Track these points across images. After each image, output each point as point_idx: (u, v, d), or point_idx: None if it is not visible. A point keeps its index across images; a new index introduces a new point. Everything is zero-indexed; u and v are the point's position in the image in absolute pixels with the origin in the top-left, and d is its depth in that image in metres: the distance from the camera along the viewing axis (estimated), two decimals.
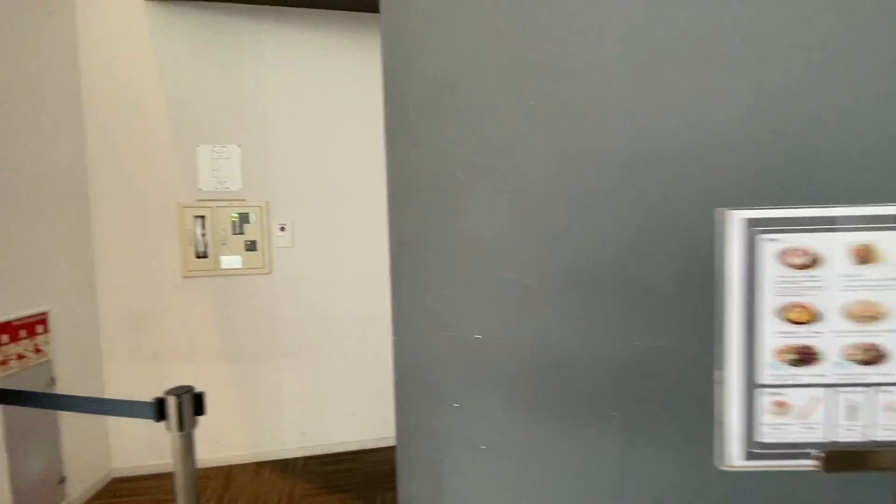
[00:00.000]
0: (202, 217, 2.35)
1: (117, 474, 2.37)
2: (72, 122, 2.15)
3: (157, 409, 1.13)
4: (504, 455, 1.19)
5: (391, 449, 2.56)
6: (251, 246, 2.40)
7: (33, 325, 1.90)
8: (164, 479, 2.33)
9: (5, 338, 1.77)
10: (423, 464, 1.39)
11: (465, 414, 1.25)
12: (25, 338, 1.86)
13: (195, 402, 1.16)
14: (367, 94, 2.47)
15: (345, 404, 2.55)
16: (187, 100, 2.32)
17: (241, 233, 2.39)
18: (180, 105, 2.31)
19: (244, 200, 2.39)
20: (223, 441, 2.44)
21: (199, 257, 2.36)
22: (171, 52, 2.29)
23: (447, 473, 1.31)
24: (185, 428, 1.14)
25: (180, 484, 1.16)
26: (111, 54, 2.25)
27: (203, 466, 2.42)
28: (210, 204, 2.36)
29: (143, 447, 2.39)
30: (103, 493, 2.24)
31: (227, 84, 2.35)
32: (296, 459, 2.48)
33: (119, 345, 2.34)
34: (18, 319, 1.83)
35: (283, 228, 2.43)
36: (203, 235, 2.35)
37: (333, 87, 2.44)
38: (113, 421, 2.35)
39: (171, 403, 1.13)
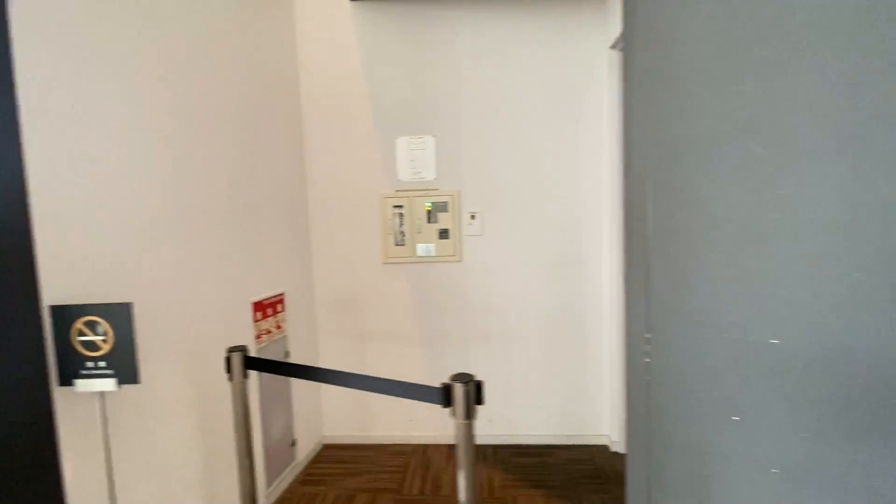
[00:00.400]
0: (400, 206, 2.45)
1: (326, 441, 2.62)
2: (294, 130, 2.38)
3: (444, 395, 1.14)
4: (810, 484, 0.97)
5: (583, 448, 2.44)
6: (444, 234, 2.44)
7: (275, 305, 2.15)
8: (366, 449, 2.51)
9: (259, 314, 2.01)
10: (681, 479, 1.22)
11: (748, 430, 1.04)
12: (271, 315, 2.11)
13: (476, 391, 1.14)
14: (562, 80, 2.32)
15: (531, 396, 2.49)
16: (388, 94, 2.41)
17: (435, 221, 2.44)
18: (382, 99, 2.42)
19: (437, 190, 2.43)
20: (417, 420, 2.55)
21: (397, 245, 2.46)
22: (374, 49, 2.40)
23: (718, 495, 1.12)
24: (470, 416, 1.13)
25: (462, 466, 1.15)
26: (323, 57, 2.43)
27: (399, 443, 2.56)
28: (407, 194, 2.44)
29: (348, 418, 2.60)
30: (318, 457, 2.48)
31: (423, 76, 2.39)
32: (485, 447, 2.49)
33: (329, 324, 2.56)
34: (267, 299, 2.07)
35: (473, 217, 2.42)
36: (401, 224, 2.45)
37: (525, 75, 2.34)
38: (325, 393, 2.59)
39: (459, 391, 1.13)
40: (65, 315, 1.05)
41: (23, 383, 1.05)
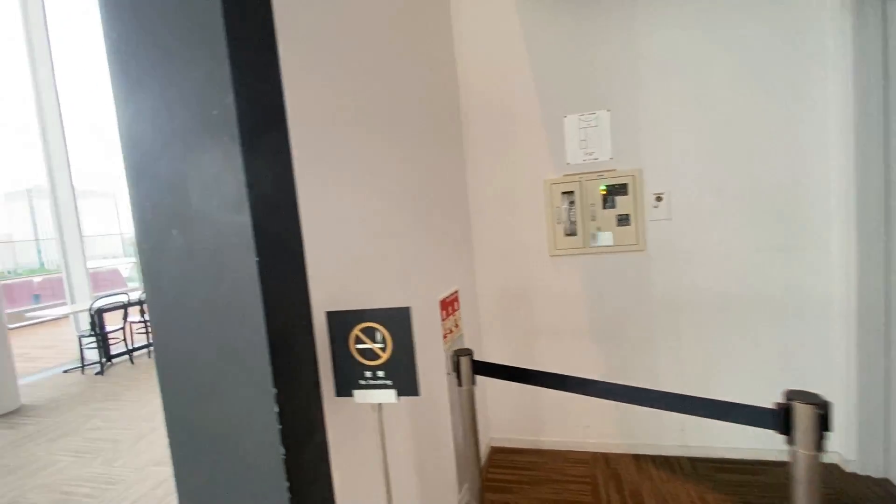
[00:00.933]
0: (570, 192, 2.23)
1: (494, 444, 2.49)
2: (454, 118, 2.24)
3: (781, 419, 0.91)
4: None
5: None
6: (623, 220, 2.17)
7: (453, 303, 2.04)
8: (538, 455, 2.35)
9: (443, 313, 1.91)
10: None
11: None
12: (451, 314, 2.00)
13: (823, 415, 0.89)
14: (770, 25, 1.94)
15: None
16: (554, 71, 2.20)
17: (612, 206, 2.18)
18: (547, 78, 2.21)
19: (614, 171, 2.17)
20: (593, 425, 2.33)
21: (567, 235, 2.25)
22: (537, 24, 2.19)
23: None
24: (820, 446, 0.89)
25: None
26: (480, 33, 2.27)
27: (574, 449, 2.36)
28: (578, 177, 2.21)
29: (515, 421, 2.45)
30: (491, 462, 2.36)
31: (594, 48, 2.13)
32: (677, 459, 2.20)
33: (493, 321, 2.42)
34: (447, 297, 1.97)
35: (658, 199, 2.13)
36: (571, 212, 2.23)
37: (719, 22, 1.99)
38: (490, 393, 2.47)
39: (804, 414, 0.88)
40: (342, 321, 0.98)
41: (303, 394, 0.98)
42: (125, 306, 5.23)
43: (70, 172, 5.50)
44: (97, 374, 4.92)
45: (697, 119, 2.06)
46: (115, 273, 12.47)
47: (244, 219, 0.88)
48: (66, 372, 5.12)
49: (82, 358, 5.11)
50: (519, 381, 1.26)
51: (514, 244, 2.35)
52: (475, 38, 2.28)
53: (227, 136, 0.87)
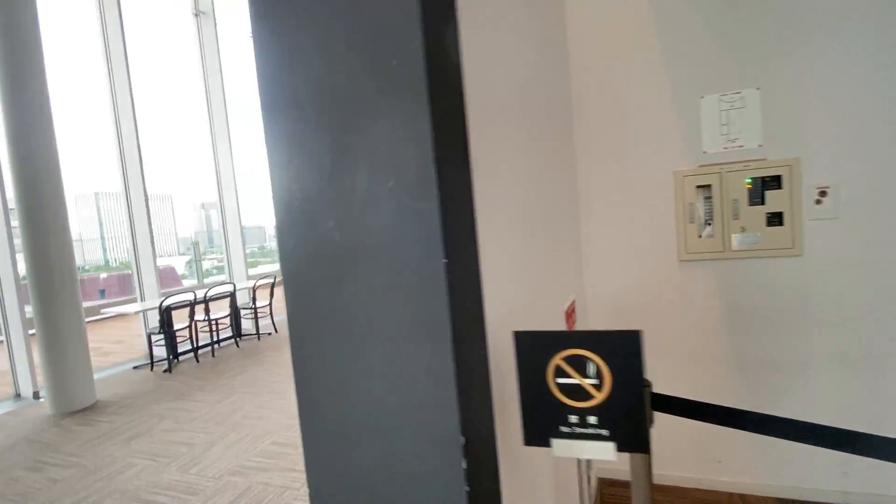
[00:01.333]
0: (707, 186, 1.90)
1: (600, 475, 2.19)
2: (565, 105, 1.97)
3: None
4: None
5: None
6: (774, 219, 1.82)
7: (571, 314, 1.76)
8: (654, 490, 2.02)
9: (567, 325, 1.64)
10: None
11: None
12: (571, 326, 1.73)
13: None
14: None
15: None
16: (687, 44, 1.88)
17: (761, 202, 1.83)
18: (678, 53, 1.89)
19: (763, 160, 1.82)
20: (726, 461, 1.98)
21: (701, 236, 1.92)
22: None
23: None
24: None
25: None
26: (598, 8, 1.98)
27: (701, 487, 2.02)
28: (717, 168, 1.88)
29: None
30: (603, 497, 2.06)
31: (741, 14, 1.80)
32: None
33: None
34: (568, 307, 1.70)
35: (822, 194, 1.76)
36: (708, 209, 1.90)
37: None
38: None
39: None
40: (537, 346, 0.73)
41: (485, 442, 0.73)
42: (192, 304, 5.28)
43: (143, 176, 5.65)
44: (165, 371, 4.98)
45: (877, 98, 1.68)
46: (171, 270, 13.15)
47: (430, 206, 0.63)
48: (135, 368, 5.23)
49: (151, 355, 5.19)
50: (714, 422, 0.97)
51: (633, 246, 2.04)
52: (590, 12, 2.00)
53: (410, 93, 0.63)
